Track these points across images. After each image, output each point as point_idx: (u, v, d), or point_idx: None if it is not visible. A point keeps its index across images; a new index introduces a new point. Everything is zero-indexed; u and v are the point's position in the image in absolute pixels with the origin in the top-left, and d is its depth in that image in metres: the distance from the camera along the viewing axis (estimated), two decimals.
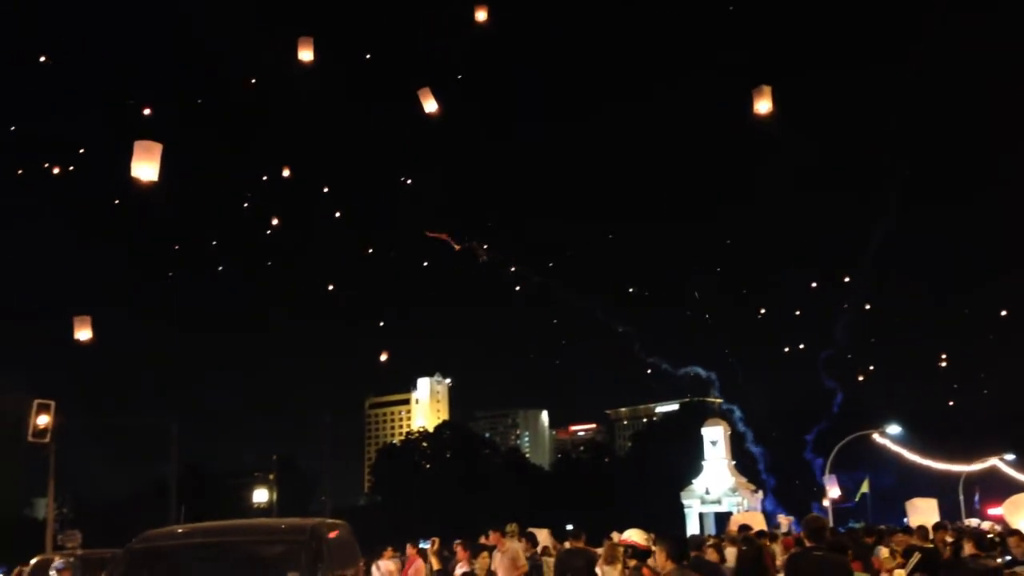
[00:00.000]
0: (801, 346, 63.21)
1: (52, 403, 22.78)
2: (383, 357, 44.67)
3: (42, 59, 32.46)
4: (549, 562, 17.32)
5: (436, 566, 12.12)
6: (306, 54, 20.10)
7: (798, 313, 65.09)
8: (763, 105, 16.47)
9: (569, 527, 28.41)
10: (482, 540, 16.72)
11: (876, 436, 45.80)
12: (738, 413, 63.29)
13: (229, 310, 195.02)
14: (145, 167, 13.03)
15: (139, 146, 13.15)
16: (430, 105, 20.74)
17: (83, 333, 22.76)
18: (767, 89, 16.55)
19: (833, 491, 37.95)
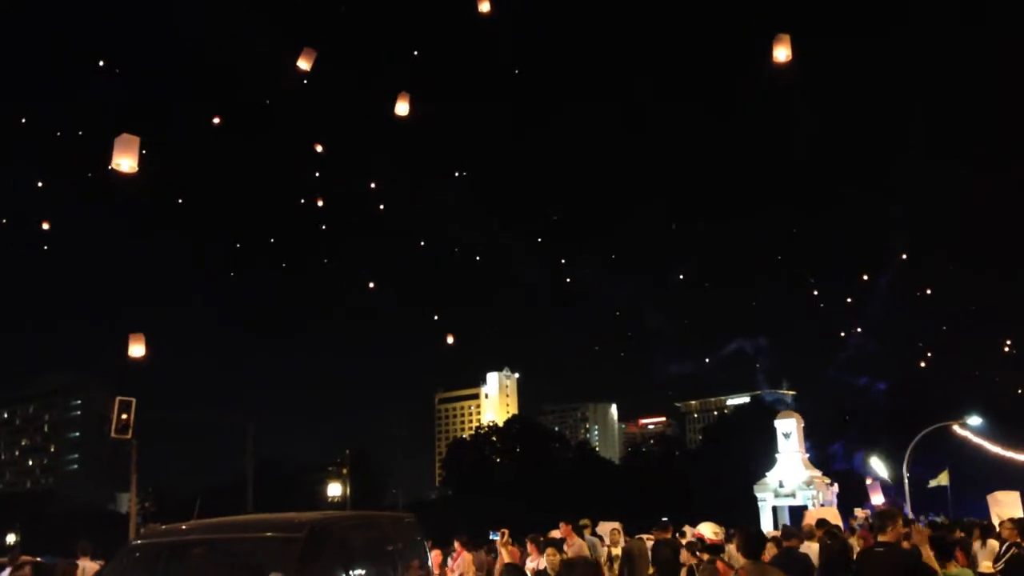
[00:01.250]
0: (856, 329, 61.85)
1: (133, 400, 23.42)
2: (449, 340, 44.54)
3: (101, 63, 33.31)
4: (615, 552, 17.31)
5: (506, 558, 12.08)
6: (306, 61, 20.01)
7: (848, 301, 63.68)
8: (781, 53, 15.85)
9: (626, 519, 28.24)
10: (552, 534, 16.73)
11: (956, 428, 44.64)
12: (809, 406, 62.41)
13: (301, 308, 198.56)
14: (125, 159, 13.88)
15: (119, 140, 13.94)
16: (402, 108, 20.71)
17: (136, 349, 23.53)
18: (786, 37, 15.92)
19: (876, 497, 37.17)
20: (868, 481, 40.71)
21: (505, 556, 12.40)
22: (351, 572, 7.77)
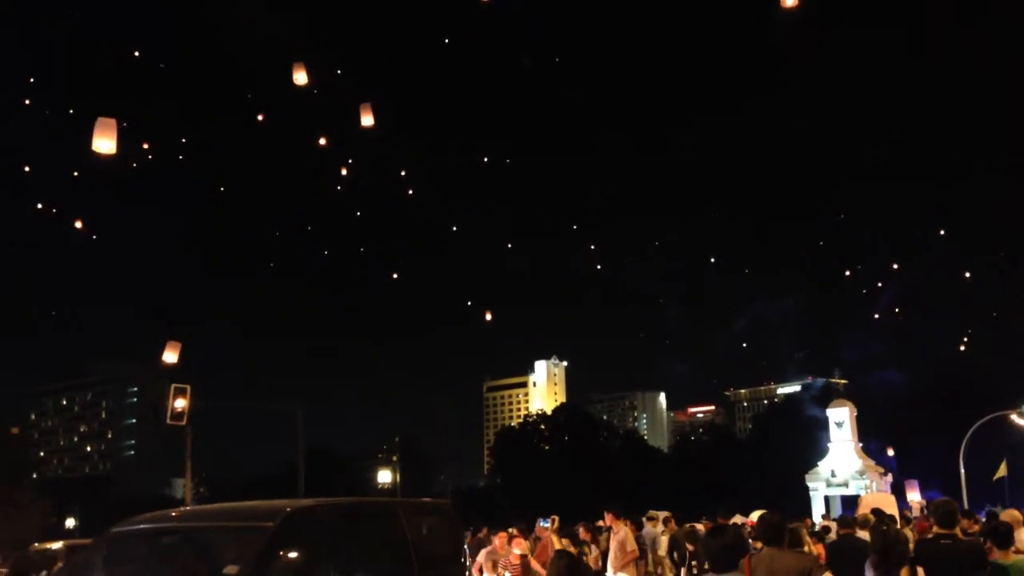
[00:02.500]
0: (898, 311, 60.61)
1: (187, 387, 23.84)
2: (487, 317, 44.10)
3: (136, 53, 33.70)
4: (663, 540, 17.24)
5: (557, 544, 12.06)
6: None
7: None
8: None
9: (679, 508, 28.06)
10: (600, 523, 16.70)
11: (1014, 417, 43.66)
12: (863, 394, 61.40)
13: (350, 299, 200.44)
14: (104, 141, 14.48)
15: (99, 123, 14.52)
16: (367, 120, 20.82)
17: (170, 356, 24.26)
18: None
19: (913, 495, 36.63)
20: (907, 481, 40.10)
21: (556, 543, 12.37)
22: (345, 565, 6.98)
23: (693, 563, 14.64)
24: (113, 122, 14.68)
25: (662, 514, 19.75)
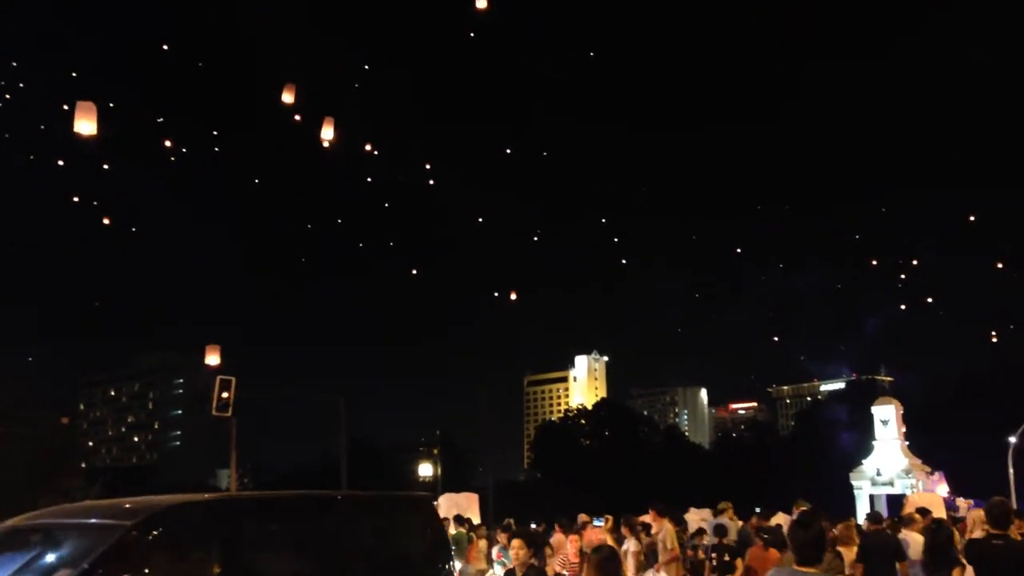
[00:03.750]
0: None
1: (232, 379, 24.18)
2: (512, 296, 43.83)
3: (164, 47, 34.18)
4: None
5: (610, 544, 11.99)
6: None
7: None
8: None
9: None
10: (641, 519, 16.62)
11: None
12: (909, 390, 60.50)
13: (392, 289, 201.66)
14: (84, 123, 15.09)
15: (80, 106, 15.17)
16: (327, 133, 20.94)
17: (212, 359, 24.83)
18: None
19: (941, 488, 36.01)
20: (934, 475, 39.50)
21: (611, 543, 12.30)
22: (239, 570, 6.05)
23: (713, 555, 14.65)
24: (93, 105, 15.31)
25: (702, 513, 19.65)
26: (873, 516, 13.55)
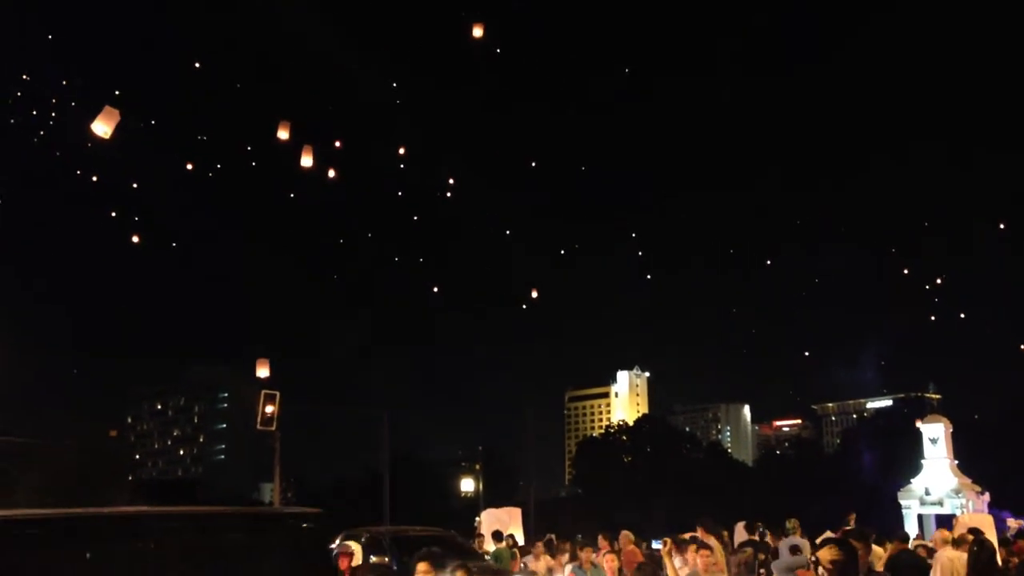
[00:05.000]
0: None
1: (277, 393, 24.43)
2: (534, 293, 43.52)
3: (197, 65, 34.79)
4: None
5: (671, 572, 11.76)
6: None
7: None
8: None
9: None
10: (686, 535, 16.47)
11: None
12: (956, 410, 59.46)
13: (432, 305, 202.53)
14: (100, 126, 15.35)
15: (105, 110, 15.44)
16: (307, 161, 21.18)
17: (263, 371, 25.18)
18: None
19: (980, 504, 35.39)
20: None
21: (670, 566, 12.13)
22: None
23: (761, 571, 14.52)
24: (116, 112, 15.64)
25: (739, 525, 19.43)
26: (900, 535, 13.57)
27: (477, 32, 20.64)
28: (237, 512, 7.61)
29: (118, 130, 15.78)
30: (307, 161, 21.19)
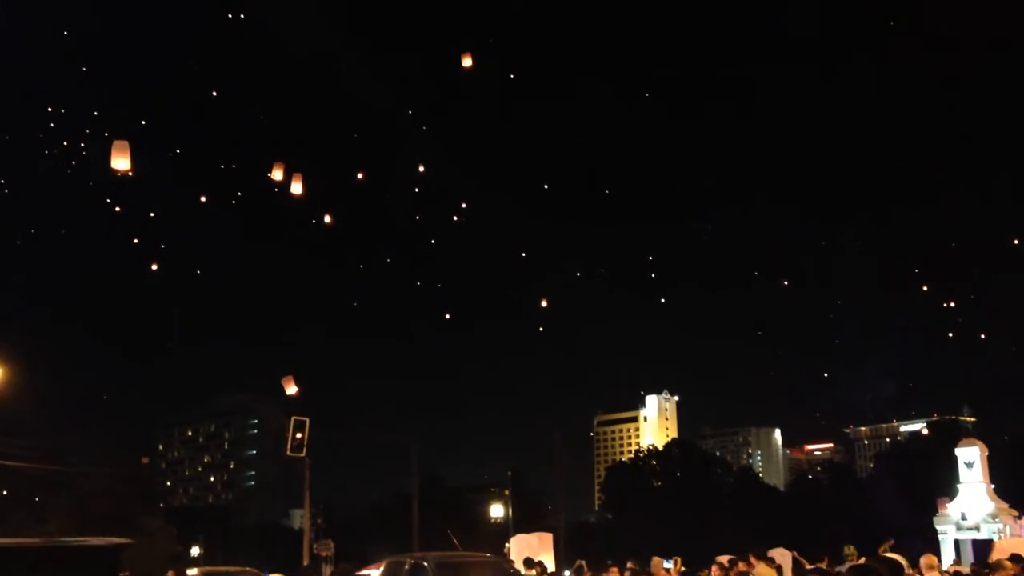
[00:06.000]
0: None
1: (307, 420, 24.51)
2: (543, 304, 43.35)
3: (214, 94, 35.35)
4: None
5: None
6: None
7: None
8: None
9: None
10: (720, 559, 16.30)
11: None
12: (992, 433, 58.63)
13: (459, 330, 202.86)
14: (119, 161, 16.11)
15: (116, 145, 16.23)
16: (297, 188, 21.68)
17: (290, 388, 25.26)
18: None
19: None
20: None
21: None
22: None
23: None
24: (127, 143, 16.31)
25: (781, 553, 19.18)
26: (917, 562, 13.72)
27: (466, 62, 21.21)
28: (30, 546, 7.49)
29: (142, 161, 16.30)
30: (297, 188, 21.73)
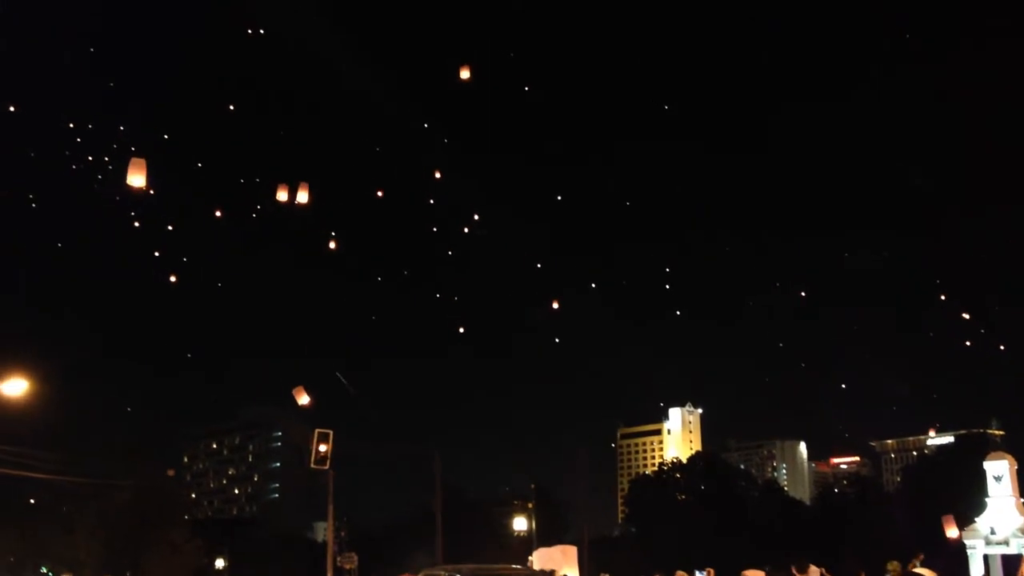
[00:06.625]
0: None
1: (331, 432, 24.55)
2: (554, 305, 43.19)
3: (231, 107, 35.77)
4: None
5: None
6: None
7: None
8: None
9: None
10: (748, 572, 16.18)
11: None
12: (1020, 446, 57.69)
13: (483, 344, 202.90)
14: (135, 178, 16.40)
15: (133, 162, 16.48)
16: (302, 197, 21.93)
17: (303, 399, 25.33)
18: None
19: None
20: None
21: None
22: None
23: None
24: (143, 161, 16.55)
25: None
26: None
27: (465, 74, 21.35)
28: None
29: (161, 175, 16.56)
30: (303, 198, 21.85)
